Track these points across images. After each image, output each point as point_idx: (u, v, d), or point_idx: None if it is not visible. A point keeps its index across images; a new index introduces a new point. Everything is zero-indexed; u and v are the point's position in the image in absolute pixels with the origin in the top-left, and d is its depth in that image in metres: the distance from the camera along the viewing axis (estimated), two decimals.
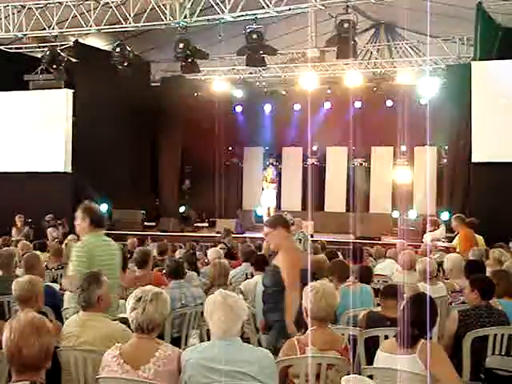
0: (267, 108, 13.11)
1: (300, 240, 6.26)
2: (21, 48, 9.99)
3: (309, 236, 6.51)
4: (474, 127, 8.37)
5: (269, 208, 10.29)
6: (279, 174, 11.17)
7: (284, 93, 12.62)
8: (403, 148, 11.82)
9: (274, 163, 13.19)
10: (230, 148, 13.72)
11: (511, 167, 7.87)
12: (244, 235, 9.35)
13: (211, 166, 12.84)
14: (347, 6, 7.24)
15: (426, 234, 7.45)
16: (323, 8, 7.95)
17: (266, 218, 10.27)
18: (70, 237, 6.64)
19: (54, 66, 9.31)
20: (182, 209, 12.29)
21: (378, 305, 3.22)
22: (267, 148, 13.61)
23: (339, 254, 5.43)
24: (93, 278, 2.56)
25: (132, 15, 8.51)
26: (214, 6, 7.93)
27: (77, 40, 9.76)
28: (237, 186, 13.87)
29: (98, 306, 2.48)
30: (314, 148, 13.18)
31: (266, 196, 10.39)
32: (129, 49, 8.93)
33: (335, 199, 12.76)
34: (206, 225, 12.43)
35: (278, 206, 10.98)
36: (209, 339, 2.15)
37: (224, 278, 3.87)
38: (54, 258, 4.96)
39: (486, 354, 2.62)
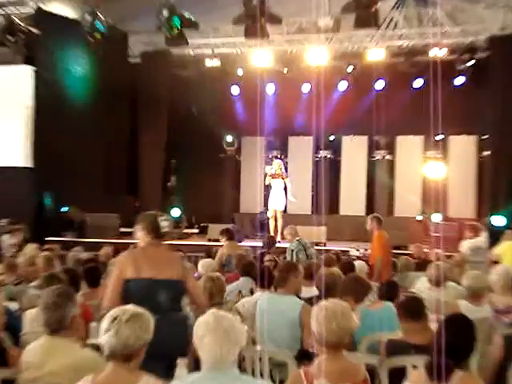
0: (270, 89, 13.11)
1: (292, 251, 6.25)
2: None
3: (308, 243, 6.44)
4: None
5: (275, 211, 10.24)
6: (285, 169, 11.21)
7: (290, 71, 12.61)
8: (436, 137, 11.81)
9: (279, 156, 13.23)
10: (225, 138, 13.73)
11: None
12: (242, 244, 9.33)
13: (202, 159, 12.86)
14: None
15: (464, 242, 7.46)
16: None
17: (271, 223, 10.28)
18: (30, 246, 6.58)
19: (11, 38, 9.29)
20: (175, 211, 12.30)
21: None
22: (270, 138, 13.63)
23: (365, 264, 5.44)
24: (67, 294, 2.58)
25: None
26: None
27: (39, 7, 9.75)
28: (233, 184, 13.91)
29: (70, 329, 2.51)
30: (332, 138, 13.17)
31: (272, 196, 10.33)
32: (102, 17, 8.92)
33: (353, 200, 12.80)
34: (196, 231, 12.45)
35: (284, 209, 10.95)
36: (199, 369, 2.14)
37: (220, 295, 3.92)
38: (8, 271, 4.96)
39: None
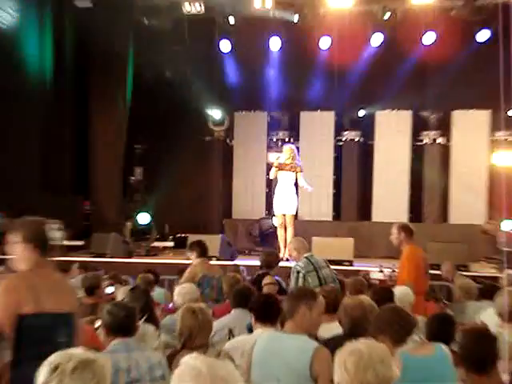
0: (274, 44, 13.10)
1: (298, 272, 6.27)
2: None
3: (322, 262, 6.42)
4: None
5: (284, 217, 10.27)
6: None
7: (303, 19, 12.59)
8: (508, 112, 11.77)
9: (287, 139, 13.15)
10: (212, 113, 13.73)
11: None
12: (235, 262, 9.35)
13: (179, 144, 12.83)
14: None
15: None
16: None
17: (280, 234, 10.29)
18: None
19: None
20: (142, 217, 12.34)
21: None
22: (274, 113, 13.61)
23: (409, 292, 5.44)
24: None
25: None
26: None
27: None
28: (223, 179, 13.92)
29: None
30: (361, 113, 13.15)
31: (279, 195, 10.29)
32: None
33: (391, 201, 12.84)
34: (171, 244, 12.44)
35: (296, 213, 10.92)
36: None
37: (205, 335, 3.94)
38: None
39: None
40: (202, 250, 6.85)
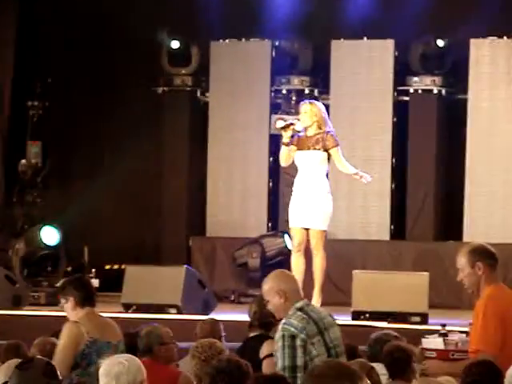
0: None
1: (292, 338, 6.19)
2: None
3: (326, 316, 6.36)
4: None
5: (305, 233, 10.27)
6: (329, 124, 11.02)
7: None
8: None
9: (308, 90, 13.29)
10: (167, 42, 13.69)
11: None
12: (212, 316, 9.28)
13: (110, 98, 13.18)
14: None
15: None
16: None
17: (296, 263, 10.35)
18: None
19: None
20: (45, 234, 12.56)
21: None
22: (284, 42, 13.70)
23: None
24: None
25: None
26: None
27: None
28: (190, 165, 14.07)
29: None
30: (441, 43, 13.12)
31: (298, 195, 10.30)
32: None
33: (497, 206, 13.00)
34: (94, 283, 12.42)
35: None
36: None
37: None
38: None
39: None
40: (85, 293, 6.88)
